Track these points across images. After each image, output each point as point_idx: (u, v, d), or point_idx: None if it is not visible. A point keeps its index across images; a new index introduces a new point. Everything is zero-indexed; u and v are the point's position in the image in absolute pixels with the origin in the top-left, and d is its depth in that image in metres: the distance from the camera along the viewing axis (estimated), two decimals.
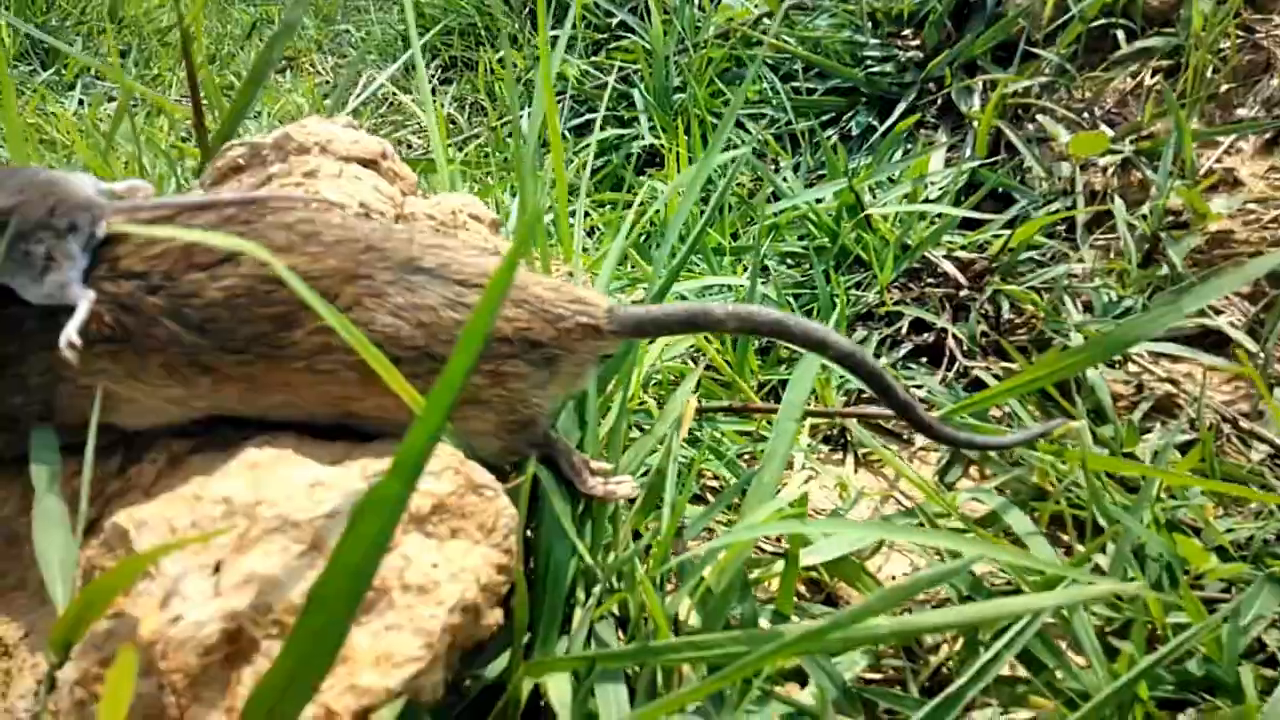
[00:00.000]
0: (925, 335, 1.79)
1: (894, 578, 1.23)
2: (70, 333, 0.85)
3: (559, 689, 0.85)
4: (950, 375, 1.69)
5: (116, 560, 0.80)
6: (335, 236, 0.93)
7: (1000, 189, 2.19)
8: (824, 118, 2.76)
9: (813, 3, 3.11)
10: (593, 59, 3.61)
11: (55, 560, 0.79)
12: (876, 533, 1.05)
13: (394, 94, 3.63)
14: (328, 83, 4.09)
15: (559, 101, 3.23)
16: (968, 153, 2.46)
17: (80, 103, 3.30)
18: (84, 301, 0.86)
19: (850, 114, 2.80)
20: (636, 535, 1.05)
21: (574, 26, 3.74)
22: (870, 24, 2.88)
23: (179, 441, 0.97)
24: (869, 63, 2.84)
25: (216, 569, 0.77)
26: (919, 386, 1.65)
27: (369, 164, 1.33)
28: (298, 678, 0.62)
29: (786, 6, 3.01)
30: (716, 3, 3.30)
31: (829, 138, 2.78)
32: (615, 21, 3.77)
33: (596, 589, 0.96)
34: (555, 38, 3.67)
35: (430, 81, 3.92)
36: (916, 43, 2.85)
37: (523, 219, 1.55)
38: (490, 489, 0.91)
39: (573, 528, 0.96)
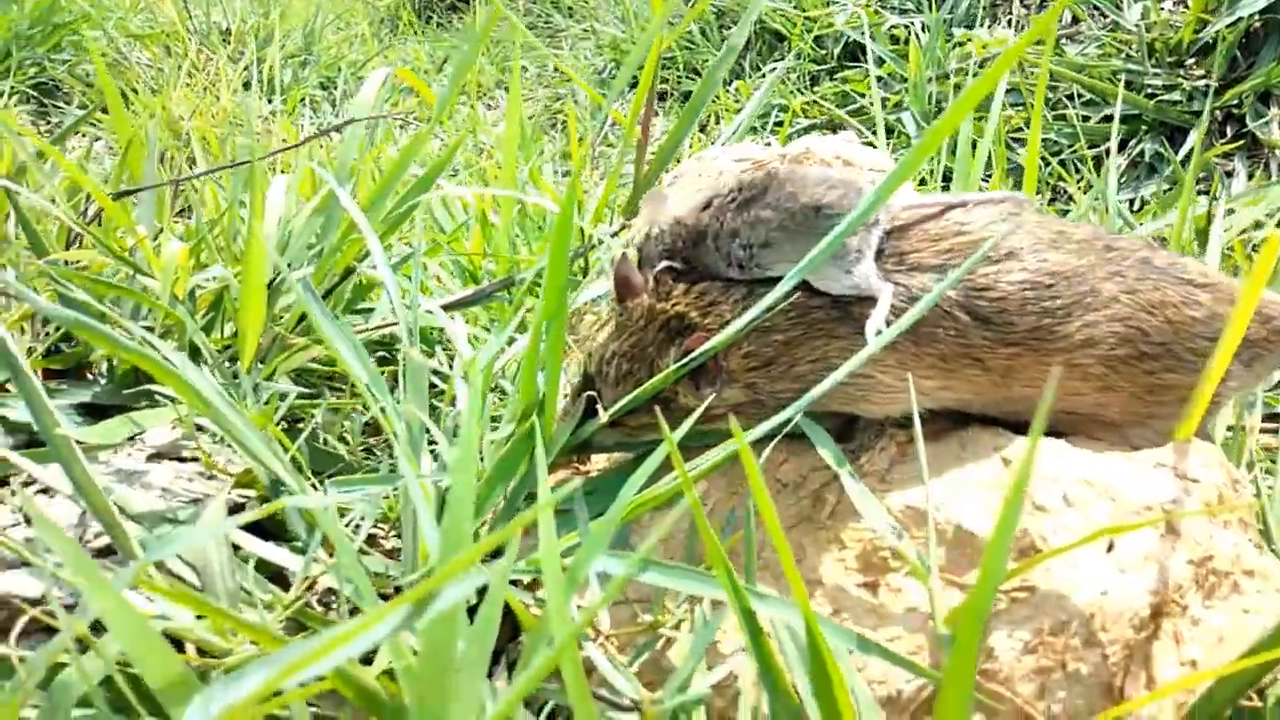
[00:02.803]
0: None
1: None
2: (879, 321, 0.88)
3: None
4: None
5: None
6: (1081, 235, 0.96)
7: None
8: (1103, 146, 2.76)
9: (1081, 31, 3.13)
10: (813, 89, 3.68)
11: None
12: None
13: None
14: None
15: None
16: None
17: None
18: (886, 292, 0.90)
19: (1135, 141, 2.80)
20: None
21: (797, 58, 3.82)
22: (1148, 53, 2.88)
23: (901, 432, 1.00)
24: (1149, 91, 2.85)
25: (1110, 549, 0.79)
26: None
27: None
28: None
29: (1058, 34, 3.04)
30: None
31: (1117, 165, 2.78)
32: (833, 53, 3.83)
33: None
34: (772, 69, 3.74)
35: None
36: (1201, 72, 2.85)
37: None
38: (1241, 482, 0.93)
39: None
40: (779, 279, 0.95)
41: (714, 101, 3.86)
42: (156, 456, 1.13)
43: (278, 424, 1.25)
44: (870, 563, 0.90)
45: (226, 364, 1.38)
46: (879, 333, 0.89)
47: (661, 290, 1.00)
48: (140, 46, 4.36)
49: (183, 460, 1.15)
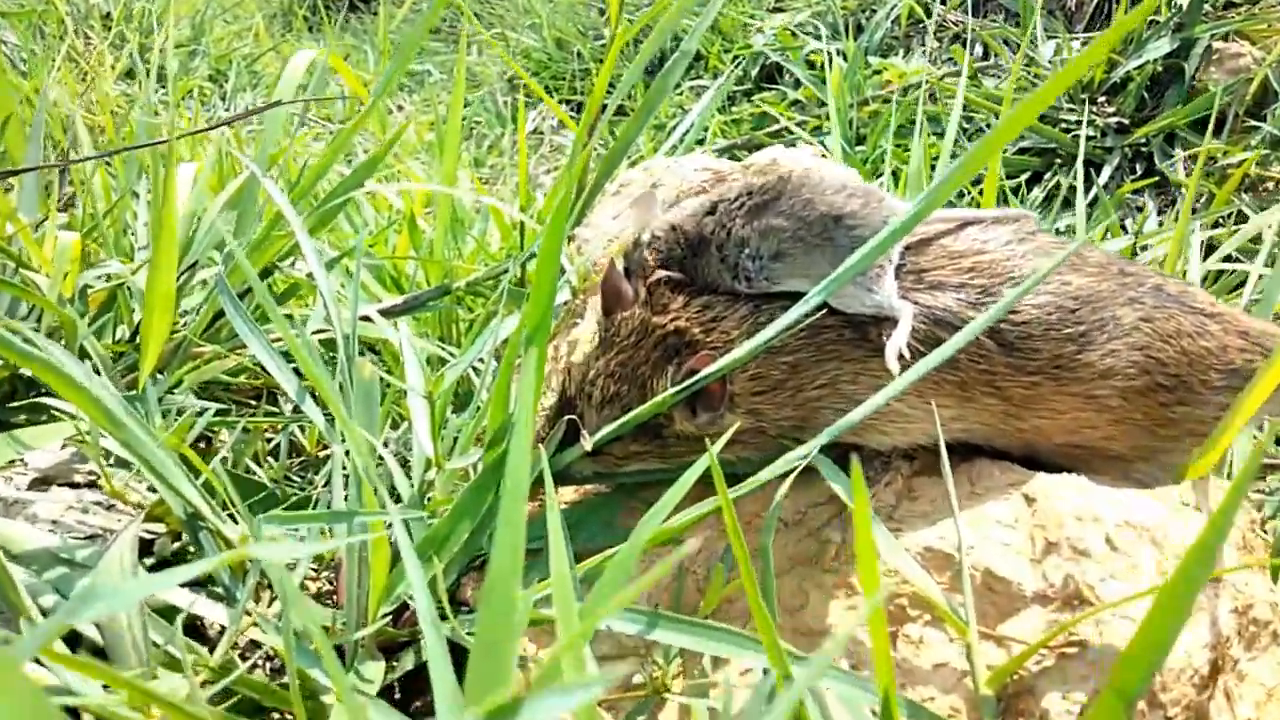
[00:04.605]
0: None
1: None
2: (900, 344, 0.80)
3: None
4: None
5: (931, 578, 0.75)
6: (1096, 258, 0.91)
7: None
8: (1020, 176, 2.81)
9: (998, 65, 3.19)
10: (731, 110, 3.65)
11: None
12: None
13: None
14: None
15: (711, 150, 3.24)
16: (1174, 217, 2.55)
17: None
18: (907, 313, 0.82)
19: (1050, 174, 2.86)
20: None
21: (714, 77, 3.78)
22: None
23: (905, 464, 0.92)
24: (1064, 125, 2.92)
25: None
26: None
27: None
28: None
29: (976, 66, 3.09)
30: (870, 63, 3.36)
31: (1033, 196, 2.84)
32: (749, 73, 3.82)
33: None
34: (705, 88, 3.71)
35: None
36: (1112, 109, 2.94)
37: None
38: (1256, 521, 0.89)
39: None
40: (788, 294, 0.86)
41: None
42: (41, 482, 0.96)
43: (190, 446, 1.09)
44: (886, 610, 0.81)
45: (120, 374, 1.20)
46: (901, 357, 0.81)
47: (657, 303, 0.89)
48: (9, 26, 3.99)
49: (74, 486, 0.98)
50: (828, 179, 0.87)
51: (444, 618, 0.83)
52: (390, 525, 0.82)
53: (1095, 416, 0.90)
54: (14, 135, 1.50)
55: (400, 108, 4.44)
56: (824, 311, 0.85)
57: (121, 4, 4.46)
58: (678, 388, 0.84)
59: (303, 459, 1.27)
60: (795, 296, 0.84)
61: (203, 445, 1.22)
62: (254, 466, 1.11)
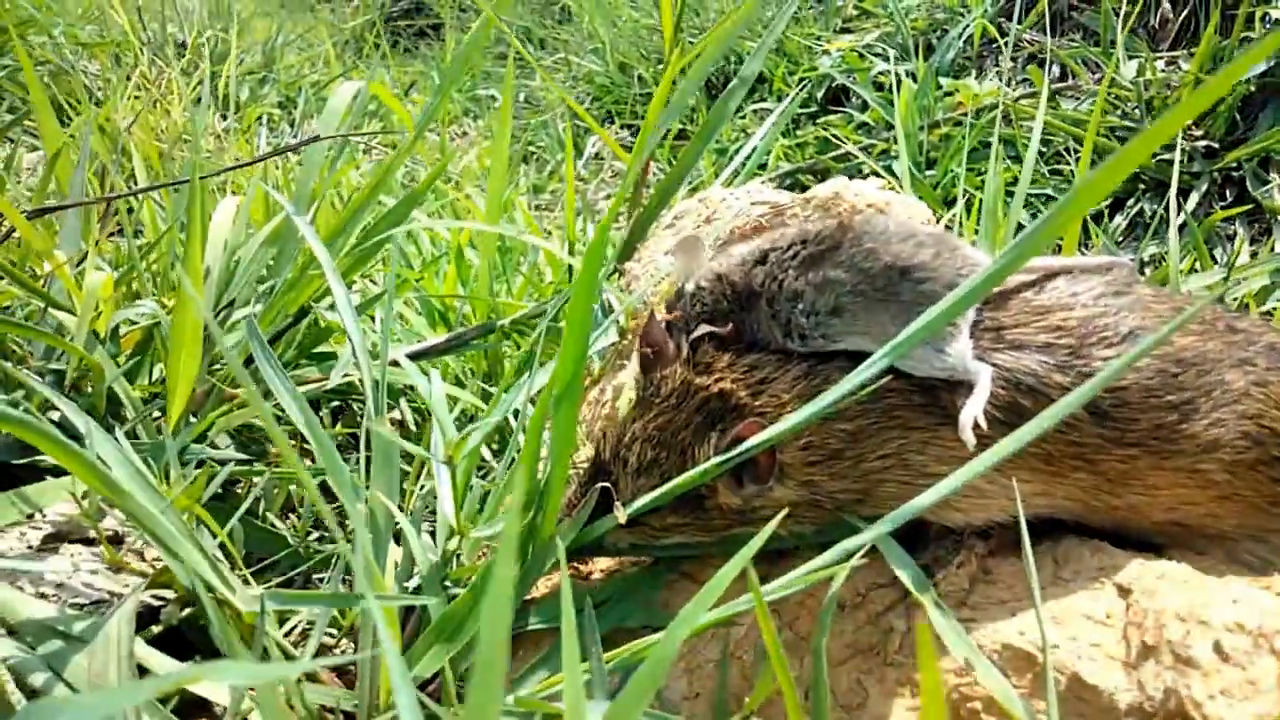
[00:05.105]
0: None
1: None
2: (976, 411, 0.71)
3: None
4: None
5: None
6: (1201, 314, 0.80)
7: None
8: (1101, 204, 2.66)
9: (1077, 86, 3.05)
10: (796, 134, 3.55)
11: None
12: None
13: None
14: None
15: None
16: (1271, 247, 2.37)
17: None
18: (985, 376, 0.72)
19: (1133, 201, 2.71)
20: None
21: (779, 100, 3.69)
22: (1145, 109, 2.81)
23: (980, 542, 0.82)
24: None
25: None
26: None
27: None
28: None
29: (1053, 87, 2.95)
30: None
31: (1115, 224, 2.69)
32: (815, 97, 3.72)
33: None
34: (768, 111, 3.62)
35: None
36: (1200, 133, 2.78)
37: None
38: None
39: None
40: (846, 353, 0.77)
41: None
42: (55, 539, 0.91)
43: (212, 497, 1.04)
44: (957, 714, 0.72)
45: (153, 416, 1.16)
46: (976, 426, 0.71)
47: (700, 361, 0.81)
48: (88, 55, 4.10)
49: (88, 543, 0.93)
50: (893, 227, 0.78)
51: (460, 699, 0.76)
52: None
53: (1199, 493, 0.79)
54: (63, 168, 1.49)
55: (464, 134, 4.45)
56: (890, 373, 0.76)
57: (195, 32, 4.56)
58: (721, 457, 0.75)
59: (337, 504, 1.21)
60: (854, 356, 0.75)
61: (232, 488, 1.17)
62: (277, 521, 1.06)
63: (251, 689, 0.75)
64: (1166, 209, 2.65)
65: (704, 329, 0.82)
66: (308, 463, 1.16)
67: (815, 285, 0.77)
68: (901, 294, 0.75)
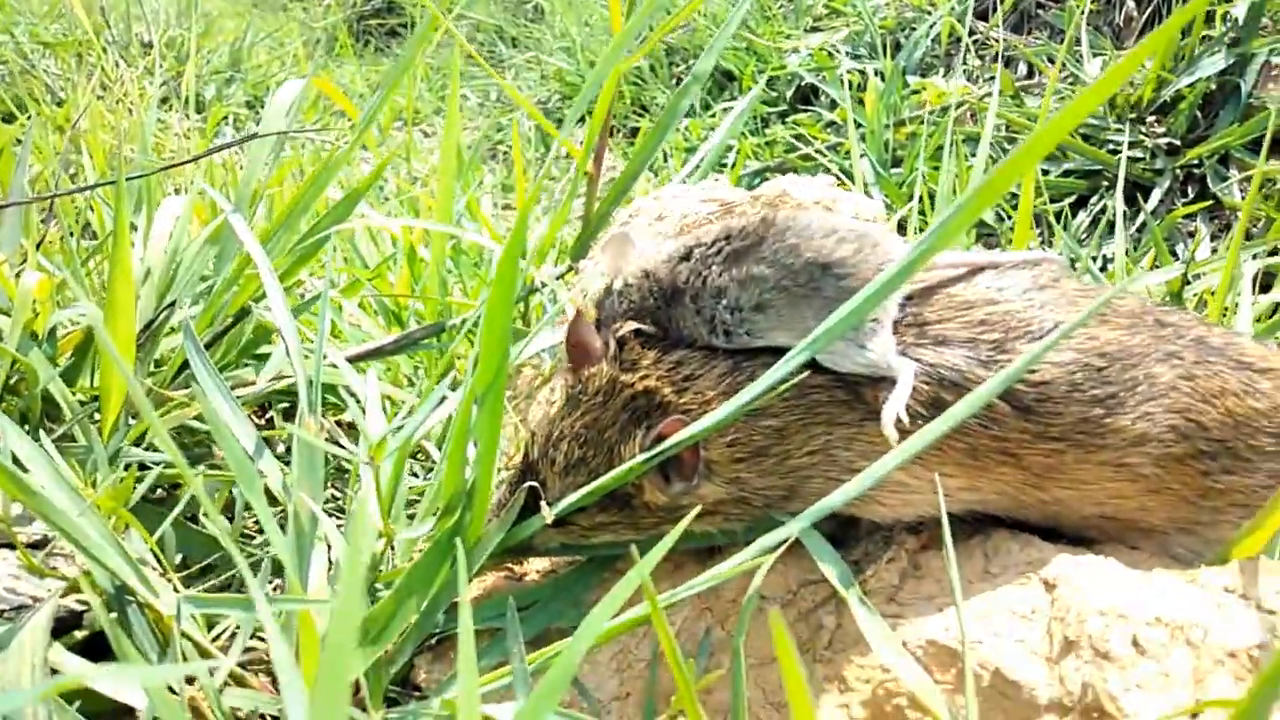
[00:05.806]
0: None
1: None
2: (898, 407, 0.70)
3: None
4: None
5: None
6: (1129, 307, 0.80)
7: None
8: (1063, 201, 2.68)
9: (1040, 84, 3.06)
10: (765, 133, 3.55)
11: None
12: None
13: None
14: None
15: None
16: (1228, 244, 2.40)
17: None
18: (907, 372, 0.72)
19: (1096, 198, 2.72)
20: None
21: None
22: (1109, 108, 2.83)
23: (911, 537, 0.82)
24: (1111, 146, 2.78)
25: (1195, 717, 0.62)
26: None
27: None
28: None
29: (1019, 85, 2.97)
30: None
31: (1079, 221, 2.71)
32: (784, 95, 3.73)
33: None
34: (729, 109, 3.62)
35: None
36: (1162, 130, 2.80)
37: None
38: None
39: None
40: (771, 349, 0.76)
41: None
42: None
43: (154, 500, 1.02)
44: (882, 710, 0.71)
45: (94, 418, 1.14)
46: (899, 421, 0.71)
47: (626, 358, 0.80)
48: (50, 54, 4.05)
49: (12, 547, 0.91)
50: (816, 222, 0.77)
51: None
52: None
53: (1127, 487, 0.80)
54: (4, 166, 1.47)
55: (435, 133, 4.43)
56: (812, 370, 0.75)
57: (162, 31, 4.51)
58: (646, 455, 0.75)
59: (280, 509, 1.20)
60: (780, 353, 0.74)
61: (174, 491, 1.16)
62: (212, 522, 1.04)
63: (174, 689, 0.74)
64: (1129, 206, 2.67)
65: (630, 326, 0.81)
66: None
67: (739, 281, 0.77)
68: (824, 289, 0.74)
